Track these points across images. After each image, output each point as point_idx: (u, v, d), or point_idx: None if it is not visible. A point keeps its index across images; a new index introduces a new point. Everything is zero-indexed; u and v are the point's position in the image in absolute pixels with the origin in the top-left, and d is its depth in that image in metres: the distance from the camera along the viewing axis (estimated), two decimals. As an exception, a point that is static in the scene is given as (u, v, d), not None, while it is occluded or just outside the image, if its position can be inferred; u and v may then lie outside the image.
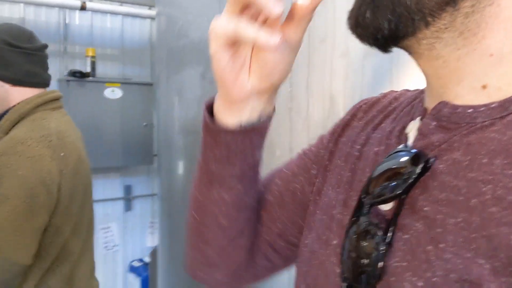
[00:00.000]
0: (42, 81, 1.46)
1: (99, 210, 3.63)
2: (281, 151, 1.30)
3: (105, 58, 3.59)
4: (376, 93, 1.20)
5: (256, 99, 0.52)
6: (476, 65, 0.40)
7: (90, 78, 3.30)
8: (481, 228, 0.33)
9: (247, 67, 0.49)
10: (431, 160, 0.40)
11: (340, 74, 1.18)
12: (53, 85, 3.33)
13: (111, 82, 3.39)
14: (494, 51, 0.39)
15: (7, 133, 1.32)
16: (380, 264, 0.39)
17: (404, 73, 1.13)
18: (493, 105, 0.39)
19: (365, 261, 0.40)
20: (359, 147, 0.56)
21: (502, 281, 0.31)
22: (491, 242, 0.32)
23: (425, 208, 0.38)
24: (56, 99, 1.47)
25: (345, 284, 0.43)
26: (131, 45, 3.72)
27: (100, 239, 3.65)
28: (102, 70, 3.51)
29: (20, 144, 1.24)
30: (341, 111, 1.19)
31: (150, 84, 3.58)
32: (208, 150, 0.56)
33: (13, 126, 1.33)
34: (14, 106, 1.35)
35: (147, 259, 3.62)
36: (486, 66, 0.39)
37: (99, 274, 3.62)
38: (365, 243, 0.41)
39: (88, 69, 3.32)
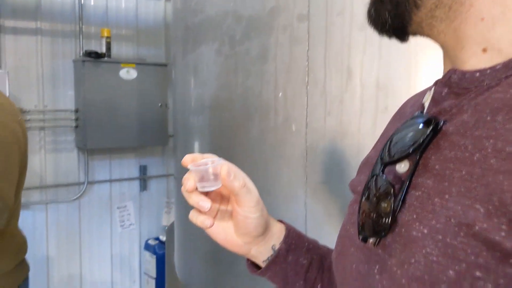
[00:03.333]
0: None
1: (115, 190, 3.69)
2: (297, 126, 1.30)
3: (120, 38, 3.60)
4: (393, 67, 1.20)
5: (255, 245, 0.65)
6: (472, 31, 0.43)
7: (105, 59, 3.32)
8: (481, 178, 0.36)
9: (231, 230, 0.64)
10: (441, 122, 0.43)
11: (358, 47, 1.17)
12: (69, 66, 3.37)
13: (126, 62, 3.41)
14: (484, 15, 0.42)
15: None
16: (390, 217, 0.43)
17: (423, 47, 1.12)
18: (497, 67, 0.41)
19: (384, 219, 0.44)
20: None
21: (494, 222, 0.34)
22: (487, 189, 0.35)
23: (436, 167, 0.41)
24: None
25: (361, 236, 0.48)
26: (146, 26, 3.73)
27: (116, 217, 3.71)
28: (117, 50, 3.53)
29: None
30: (358, 85, 1.19)
31: (164, 65, 3.58)
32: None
33: None
34: None
35: (162, 238, 3.67)
36: (481, 31, 0.42)
37: (116, 251, 3.71)
38: (384, 204, 0.44)
39: (103, 49, 3.33)
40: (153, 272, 3.56)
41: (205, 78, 1.73)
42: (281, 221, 0.69)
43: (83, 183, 3.51)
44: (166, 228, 3.37)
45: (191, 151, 1.92)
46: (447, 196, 0.39)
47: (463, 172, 0.38)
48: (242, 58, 1.49)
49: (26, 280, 1.62)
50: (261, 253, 0.66)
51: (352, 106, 1.20)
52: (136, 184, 3.78)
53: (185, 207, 2.03)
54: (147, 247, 3.68)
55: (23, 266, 1.61)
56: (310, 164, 1.30)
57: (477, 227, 0.35)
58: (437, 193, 0.40)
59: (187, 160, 0.60)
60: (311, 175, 1.31)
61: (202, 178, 0.57)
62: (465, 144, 0.40)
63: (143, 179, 3.80)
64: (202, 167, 0.57)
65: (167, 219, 3.84)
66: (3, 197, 1.37)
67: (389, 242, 0.44)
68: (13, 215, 1.56)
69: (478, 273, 0.34)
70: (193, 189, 0.58)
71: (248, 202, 0.59)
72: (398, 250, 0.42)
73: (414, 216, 0.41)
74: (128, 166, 3.73)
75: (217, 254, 1.71)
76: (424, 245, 0.39)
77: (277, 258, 0.66)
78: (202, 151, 1.82)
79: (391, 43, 1.20)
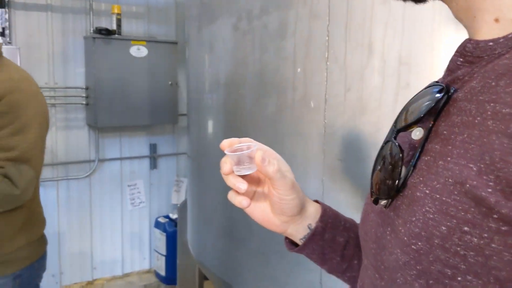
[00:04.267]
0: None
1: (126, 168, 3.70)
2: (315, 102, 1.29)
3: (130, 15, 3.57)
4: (416, 42, 1.17)
5: (292, 224, 0.67)
6: (483, 2, 0.44)
7: (116, 36, 3.29)
8: (478, 139, 0.39)
9: (268, 210, 0.66)
10: (452, 90, 0.45)
11: (380, 22, 1.15)
12: (79, 42, 3.35)
13: (137, 40, 3.38)
14: None
15: None
16: (401, 181, 0.46)
17: (445, 21, 1.09)
18: (510, 36, 0.42)
19: (396, 183, 0.47)
20: None
21: (483, 179, 0.36)
22: (481, 148, 0.38)
23: (444, 132, 0.44)
24: None
25: (372, 198, 0.52)
26: (156, 3, 3.69)
27: (127, 195, 3.73)
28: (127, 28, 3.50)
29: (21, 83, 1.45)
30: (379, 60, 1.16)
31: (175, 43, 3.56)
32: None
33: None
34: None
35: (172, 215, 3.69)
36: (492, 0, 0.43)
37: (127, 229, 3.74)
38: (397, 169, 0.47)
39: (113, 26, 3.31)
40: (163, 249, 3.59)
41: (220, 54, 1.71)
42: (317, 201, 0.71)
43: (94, 160, 3.52)
44: (178, 206, 3.39)
45: (204, 129, 1.91)
46: (449, 159, 0.41)
47: (465, 135, 0.40)
48: (259, 33, 1.47)
49: (44, 253, 1.65)
50: (298, 232, 0.68)
51: (372, 82, 1.18)
52: (146, 162, 3.80)
53: (198, 186, 2.04)
54: (157, 224, 3.71)
55: (43, 240, 1.66)
56: (328, 141, 1.29)
57: (468, 185, 0.38)
58: (442, 156, 0.42)
59: (225, 144, 0.62)
60: (328, 152, 1.30)
61: (238, 162, 0.60)
62: (470, 108, 0.41)
63: (153, 158, 3.81)
64: (239, 152, 0.60)
65: (176, 197, 3.85)
66: (35, 166, 1.44)
67: (398, 204, 0.47)
68: (37, 187, 1.59)
69: (466, 228, 0.37)
70: (229, 172, 0.61)
71: (283, 185, 0.61)
72: (403, 210, 0.45)
73: (420, 179, 0.44)
74: (139, 144, 3.74)
75: (230, 231, 1.72)
76: (424, 204, 0.42)
77: (314, 236, 0.68)
78: (217, 129, 1.82)
79: (415, 18, 1.18)
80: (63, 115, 3.38)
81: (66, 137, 3.42)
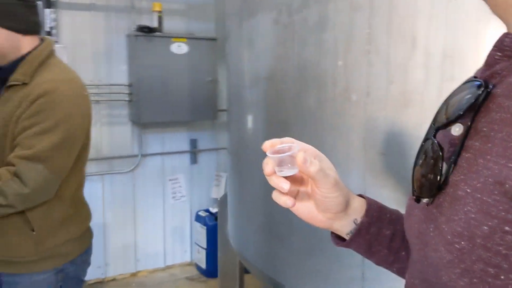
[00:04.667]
0: (40, 30, 1.58)
1: (167, 162, 3.78)
2: (357, 96, 1.28)
3: (171, 13, 3.62)
4: (461, 35, 1.14)
5: (337, 220, 0.67)
6: None
7: (157, 33, 3.36)
8: None
9: (313, 208, 0.66)
10: (490, 86, 0.45)
11: (424, 14, 1.12)
12: (122, 40, 3.43)
13: (178, 37, 3.44)
14: None
15: (31, 76, 1.47)
16: (443, 178, 0.47)
17: (490, 13, 1.06)
18: None
19: (437, 180, 0.47)
20: None
21: None
22: None
23: (484, 129, 0.44)
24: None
25: (414, 197, 0.53)
26: (196, 0, 3.73)
27: (169, 189, 3.81)
28: (168, 25, 3.56)
29: (60, 86, 1.45)
30: (423, 53, 1.14)
31: (214, 39, 3.59)
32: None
33: (35, 70, 1.48)
34: (29, 53, 1.49)
35: (212, 209, 3.75)
36: None
37: (169, 222, 3.82)
38: (438, 166, 0.48)
39: (155, 24, 3.37)
40: (203, 243, 3.65)
41: (260, 49, 1.72)
42: (361, 196, 0.72)
43: (137, 155, 3.61)
44: (218, 200, 3.43)
45: (244, 124, 1.92)
46: (489, 157, 0.41)
47: (504, 133, 0.40)
48: (299, 27, 1.46)
49: (90, 246, 1.70)
50: (344, 227, 0.69)
51: (416, 75, 1.16)
52: (187, 157, 3.86)
53: (238, 181, 2.06)
54: (198, 218, 3.77)
55: (88, 233, 1.70)
56: (369, 135, 1.28)
57: (507, 185, 0.38)
58: (482, 154, 0.42)
59: (266, 145, 0.63)
60: (370, 147, 1.28)
61: (280, 163, 0.61)
62: (508, 105, 0.41)
63: (194, 153, 3.87)
64: (280, 154, 0.61)
65: (216, 192, 3.90)
66: (52, 167, 1.42)
67: (440, 202, 0.47)
68: (81, 185, 1.63)
69: (507, 228, 0.38)
70: (271, 173, 0.62)
71: (326, 184, 0.62)
72: (446, 208, 0.46)
73: (462, 177, 0.44)
74: (179, 140, 3.81)
75: (270, 225, 1.73)
76: (466, 203, 0.42)
77: (360, 231, 0.68)
78: (257, 124, 1.83)
79: (459, 10, 1.14)
80: (107, 111, 3.48)
81: (110, 133, 3.52)
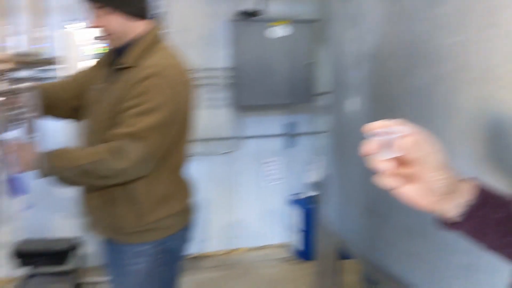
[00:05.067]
0: (150, 15, 1.63)
1: (264, 145, 3.84)
2: (473, 73, 1.20)
3: (271, -4, 3.64)
4: None
5: (443, 203, 0.65)
6: None
7: (258, 17, 3.40)
8: None
9: (417, 190, 0.64)
10: None
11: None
12: (224, 25, 3.52)
13: (278, 20, 3.46)
14: None
15: (138, 60, 1.54)
16: None
17: None
18: None
19: None
20: None
21: None
22: None
23: None
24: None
25: None
26: (296, -17, 3.72)
27: (265, 172, 3.88)
28: (269, 9, 3.58)
29: (165, 70, 1.51)
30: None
31: (315, 21, 3.56)
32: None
33: (143, 54, 1.55)
34: (138, 37, 1.56)
35: (308, 193, 3.76)
36: None
37: (264, 203, 3.89)
38: None
39: (256, 7, 3.42)
40: (298, 225, 3.68)
41: (366, 28, 1.68)
42: (471, 179, 0.69)
43: (235, 138, 3.71)
44: (316, 182, 3.43)
45: (348, 106, 1.89)
46: None
47: None
48: (409, 2, 1.40)
49: (190, 223, 1.77)
50: (450, 210, 0.66)
51: (544, 49, 1.06)
52: (283, 141, 3.90)
53: (339, 163, 2.04)
54: (293, 201, 3.80)
55: (189, 210, 1.76)
56: (484, 116, 1.20)
57: None
58: None
59: (370, 127, 0.62)
60: (484, 128, 1.20)
61: (384, 146, 0.60)
62: None
63: (290, 136, 3.89)
64: (384, 136, 0.60)
65: (312, 176, 3.90)
66: (150, 146, 1.49)
67: None
68: (181, 164, 1.71)
69: None
70: (373, 155, 0.61)
71: (432, 167, 0.61)
72: None
73: None
74: (276, 123, 3.85)
75: (372, 208, 1.70)
76: None
77: (469, 214, 0.66)
78: (361, 105, 1.79)
79: None
80: (208, 95, 3.61)
81: (210, 116, 3.65)
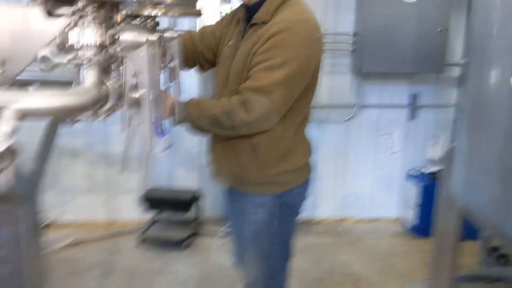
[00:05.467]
0: None
1: (383, 116, 3.73)
2: None
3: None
4: None
5: None
6: None
7: (388, -20, 3.25)
8: None
9: None
10: None
11: None
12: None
13: (409, -17, 3.27)
14: None
15: (271, 15, 1.55)
16: None
17: None
18: None
19: None
20: None
21: None
22: None
23: None
24: None
25: None
26: None
27: (380, 144, 3.77)
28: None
29: (295, 25, 1.52)
30: None
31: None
32: None
33: (275, 10, 1.56)
34: None
35: (427, 169, 3.59)
36: None
37: (378, 176, 3.81)
38: None
39: (386, -30, 3.26)
40: (414, 201, 3.55)
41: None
42: None
43: (354, 106, 3.64)
44: (439, 157, 3.28)
45: (486, 77, 1.75)
46: None
47: None
48: None
49: (307, 180, 1.80)
50: None
51: None
52: (404, 112, 3.74)
53: (471, 138, 1.91)
54: (410, 176, 3.66)
55: (307, 168, 1.80)
56: None
57: None
58: None
59: None
60: None
61: None
62: None
63: (413, 108, 3.72)
64: None
65: (433, 152, 3.71)
66: (278, 103, 1.52)
67: None
68: (304, 121, 1.73)
69: None
70: None
71: None
72: None
73: None
74: (399, 93, 3.70)
75: (509, 183, 1.58)
76: None
77: None
78: (503, 77, 1.64)
79: None
80: (330, 60, 3.56)
81: (330, 82, 3.62)
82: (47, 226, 3.44)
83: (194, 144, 3.53)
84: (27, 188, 1.10)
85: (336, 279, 2.94)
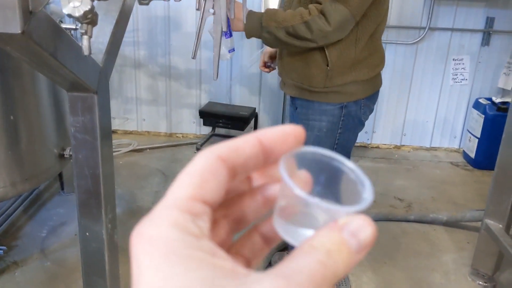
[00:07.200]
0: None
1: (455, 40, 3.52)
2: None
3: None
4: None
5: None
6: None
7: None
8: None
9: None
10: None
11: None
12: None
13: None
14: None
15: None
16: None
17: None
18: None
19: None
20: None
21: None
22: None
23: None
24: None
25: None
26: None
27: (449, 70, 3.60)
28: None
29: None
30: None
31: None
32: None
33: None
34: None
35: (496, 99, 3.42)
36: None
37: (443, 104, 3.67)
38: None
39: None
40: (477, 132, 3.42)
41: None
42: None
43: (425, 28, 3.45)
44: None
45: None
46: None
47: None
48: None
49: (375, 93, 1.78)
50: None
51: None
52: (478, 37, 3.51)
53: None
54: (477, 105, 3.50)
55: (376, 80, 1.77)
56: None
57: None
58: None
59: None
60: None
61: None
62: None
63: (487, 33, 3.48)
64: None
65: (504, 81, 3.51)
66: (355, 9, 1.50)
67: None
68: (377, 31, 1.67)
69: None
70: None
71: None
72: None
73: None
74: (474, 16, 3.45)
75: None
76: None
77: None
78: None
79: None
80: (402, -23, 3.35)
81: (401, 1, 3.42)
82: (112, 132, 3.62)
83: (255, 64, 3.51)
84: (101, 79, 1.15)
85: (388, 202, 2.95)
